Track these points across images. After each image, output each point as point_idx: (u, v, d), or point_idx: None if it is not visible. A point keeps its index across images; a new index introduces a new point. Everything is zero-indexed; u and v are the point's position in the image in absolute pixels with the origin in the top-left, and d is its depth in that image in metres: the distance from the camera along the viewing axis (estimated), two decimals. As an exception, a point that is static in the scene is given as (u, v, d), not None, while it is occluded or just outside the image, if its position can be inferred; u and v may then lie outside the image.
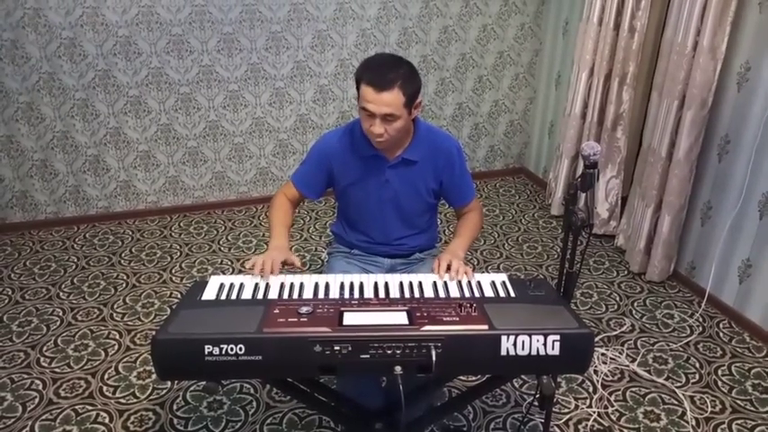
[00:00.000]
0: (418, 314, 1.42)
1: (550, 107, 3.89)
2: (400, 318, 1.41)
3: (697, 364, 2.40)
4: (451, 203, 1.98)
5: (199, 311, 1.45)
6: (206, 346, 1.33)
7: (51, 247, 3.25)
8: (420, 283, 1.63)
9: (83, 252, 3.19)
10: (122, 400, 2.18)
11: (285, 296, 1.57)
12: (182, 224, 3.51)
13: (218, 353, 1.33)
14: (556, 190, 3.57)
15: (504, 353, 1.36)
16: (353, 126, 1.87)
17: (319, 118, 3.68)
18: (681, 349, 2.49)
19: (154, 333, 1.38)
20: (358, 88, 1.70)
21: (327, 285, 1.62)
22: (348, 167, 1.86)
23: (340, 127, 1.92)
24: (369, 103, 1.65)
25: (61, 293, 2.82)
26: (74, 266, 3.06)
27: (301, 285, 1.62)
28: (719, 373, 2.35)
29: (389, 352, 1.35)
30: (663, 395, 2.23)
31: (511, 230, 3.48)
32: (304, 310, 1.43)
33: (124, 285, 2.89)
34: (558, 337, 1.36)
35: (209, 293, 1.57)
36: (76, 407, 2.15)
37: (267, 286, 1.61)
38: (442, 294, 1.59)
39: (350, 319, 1.40)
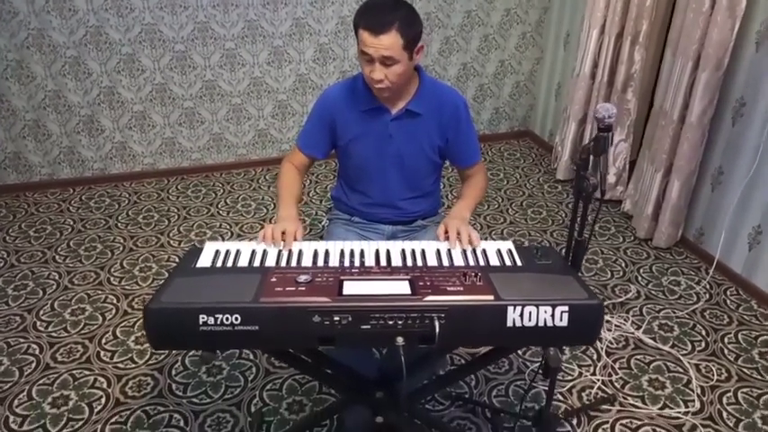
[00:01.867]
0: (421, 283, 1.37)
1: (558, 68, 3.77)
2: (402, 287, 1.36)
3: (703, 332, 2.36)
4: (456, 164, 1.91)
5: (193, 279, 1.39)
6: (200, 316, 1.27)
7: (47, 209, 3.19)
8: (423, 251, 1.57)
9: (79, 215, 3.14)
10: (120, 365, 2.15)
11: (283, 264, 1.51)
12: (179, 187, 3.44)
13: (212, 323, 1.28)
14: (562, 154, 3.48)
15: (510, 324, 1.31)
16: (355, 80, 1.79)
17: (319, 78, 3.57)
18: (687, 317, 2.45)
19: (147, 301, 1.32)
20: (357, 34, 1.62)
21: (327, 253, 1.56)
22: (350, 122, 1.79)
23: (341, 81, 1.83)
24: (367, 47, 1.59)
25: (57, 257, 2.78)
26: (70, 229, 3.01)
27: (300, 253, 1.56)
28: (726, 340, 2.32)
29: (391, 323, 1.30)
30: (668, 363, 2.20)
31: (515, 195, 3.41)
32: (302, 278, 1.38)
33: (121, 249, 2.85)
34: (566, 309, 1.31)
35: (205, 261, 1.51)
36: (74, 372, 2.12)
37: (264, 253, 1.55)
38: (445, 263, 1.53)
39: (350, 288, 1.35)
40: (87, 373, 2.12)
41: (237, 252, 1.55)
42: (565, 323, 1.32)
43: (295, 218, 1.68)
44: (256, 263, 1.51)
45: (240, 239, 2.92)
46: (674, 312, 2.47)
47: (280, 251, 1.56)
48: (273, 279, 1.38)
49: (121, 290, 2.55)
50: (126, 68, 3.22)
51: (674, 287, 2.63)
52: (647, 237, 2.94)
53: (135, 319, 2.38)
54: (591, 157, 1.47)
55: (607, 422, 1.95)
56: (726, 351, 2.26)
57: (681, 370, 2.17)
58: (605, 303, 2.50)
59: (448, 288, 1.35)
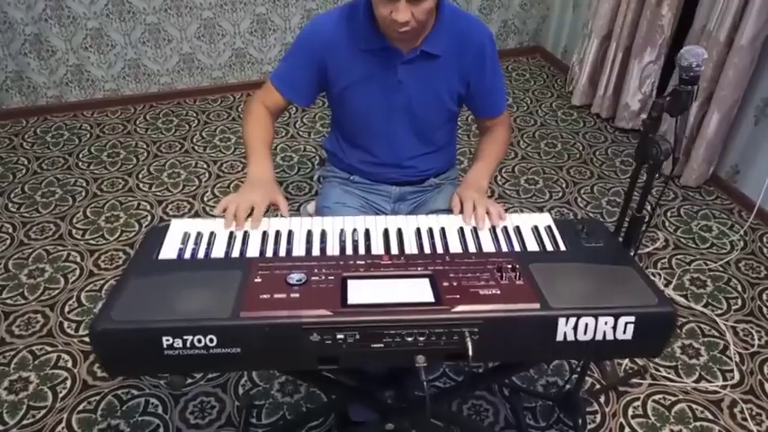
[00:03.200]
0: (446, 284, 1.08)
1: (577, -27, 3.30)
2: (422, 290, 1.06)
3: (739, 287, 2.13)
4: (477, 113, 1.56)
5: (154, 281, 1.09)
6: (164, 338, 0.98)
7: (-4, 145, 2.81)
8: (443, 231, 1.27)
9: (34, 152, 2.76)
10: (86, 340, 1.89)
11: (269, 253, 1.20)
12: (148, 117, 3.04)
13: (180, 346, 0.99)
14: (579, 76, 3.10)
15: (560, 338, 1.04)
16: (354, 8, 1.39)
17: (303, -14, 3.09)
18: (721, 269, 2.21)
19: (93, 318, 1.03)
20: None
21: (324, 235, 1.25)
22: (347, 64, 1.41)
23: (335, 8, 1.42)
24: None
25: (10, 205, 2.44)
26: (24, 170, 2.64)
27: (290, 235, 1.25)
28: (765, 297, 2.09)
29: (410, 340, 1.02)
30: (702, 325, 1.98)
31: (526, 124, 3.06)
32: (295, 278, 1.08)
33: (83, 194, 2.50)
34: (632, 319, 1.03)
35: (169, 249, 1.19)
36: (33, 348, 1.86)
37: (246, 236, 1.24)
38: (471, 247, 1.23)
39: (356, 292, 1.05)
40: (49, 349, 1.85)
41: (212, 236, 1.24)
42: (629, 336, 1.04)
43: (269, 181, 1.35)
44: (235, 251, 1.20)
45: (218, 184, 2.58)
46: (707, 264, 2.23)
47: (265, 233, 1.25)
48: (258, 279, 1.08)
49: (85, 245, 2.24)
50: (74, -24, 2.73)
51: (704, 233, 2.37)
52: (675, 174, 2.64)
53: (102, 282, 2.09)
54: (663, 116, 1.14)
55: (638, 398, 1.74)
56: (765, 310, 2.04)
57: (716, 333, 1.95)
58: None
59: (480, 291, 1.06)
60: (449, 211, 1.48)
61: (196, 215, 2.38)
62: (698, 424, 1.68)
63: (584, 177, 2.67)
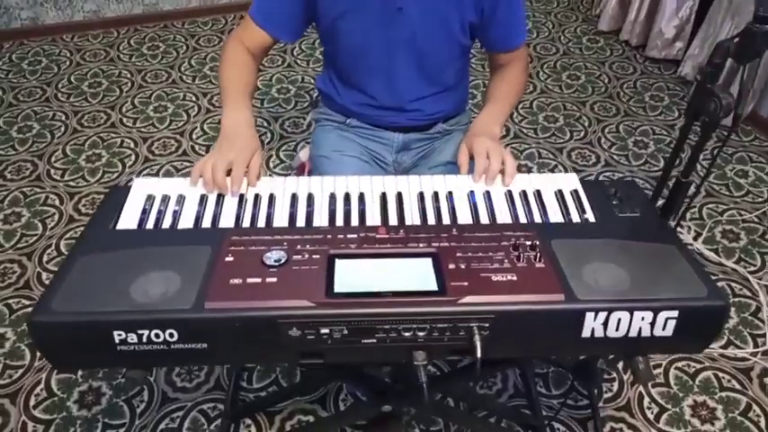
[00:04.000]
0: (451, 266, 0.90)
1: None
2: (423, 274, 0.89)
3: (775, 242, 1.95)
4: (491, 47, 1.32)
5: (106, 259, 0.92)
6: (115, 333, 0.83)
7: (-31, 74, 2.60)
8: (450, 196, 1.08)
9: (9, 82, 2.54)
10: (66, 294, 1.75)
11: (246, 222, 1.02)
12: (132, 42, 2.79)
13: (135, 341, 0.83)
14: (609, -3, 2.79)
15: (586, 335, 0.87)
16: None
17: None
18: (756, 220, 2.02)
19: (34, 305, 0.87)
20: None
21: (311, 198, 1.07)
22: None
23: None
24: None
25: (-16, 141, 2.26)
26: (-1, 102, 2.44)
27: (271, 200, 1.06)
28: (802, 254, 1.92)
29: (407, 335, 0.86)
30: (733, 284, 1.82)
31: (547, 52, 2.78)
32: (273, 257, 0.91)
33: (63, 129, 2.31)
34: (675, 314, 0.86)
35: (129, 216, 1.02)
36: (9, 301, 1.73)
37: (221, 200, 1.06)
38: (484, 217, 1.04)
39: (344, 276, 0.88)
40: (26, 302, 1.73)
41: (181, 199, 1.06)
42: (668, 333, 0.88)
43: (247, 133, 1.15)
44: (206, 221, 1.02)
45: (208, 119, 2.37)
46: (740, 215, 2.03)
47: (242, 197, 1.07)
48: (230, 257, 0.91)
49: (65, 187, 2.08)
50: None
51: (739, 179, 2.16)
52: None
53: (82, 227, 1.94)
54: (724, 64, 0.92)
55: (660, 365, 1.61)
56: (802, 268, 1.87)
57: (748, 293, 1.79)
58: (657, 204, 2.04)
59: (493, 277, 0.89)
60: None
61: (184, 155, 2.19)
62: (724, 395, 1.55)
63: (609, 114, 2.43)
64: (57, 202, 2.02)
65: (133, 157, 2.18)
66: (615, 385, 1.56)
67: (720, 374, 1.59)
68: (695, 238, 1.94)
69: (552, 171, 2.17)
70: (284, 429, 1.46)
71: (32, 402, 1.49)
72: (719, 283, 1.81)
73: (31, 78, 2.55)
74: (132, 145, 2.24)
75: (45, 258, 1.84)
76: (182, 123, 2.34)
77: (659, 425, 1.48)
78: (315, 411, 1.49)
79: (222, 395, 1.51)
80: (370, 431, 1.34)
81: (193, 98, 2.47)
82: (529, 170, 2.16)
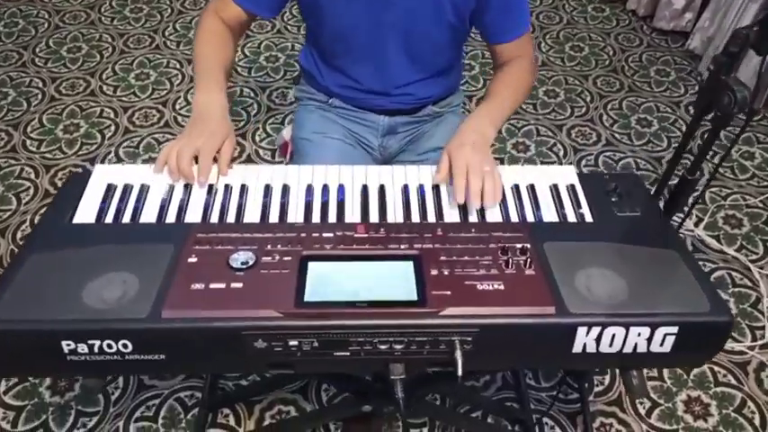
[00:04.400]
0: (434, 271, 0.83)
1: None
2: (403, 280, 0.82)
3: (779, 229, 1.88)
4: (489, 38, 1.19)
5: (59, 259, 0.84)
6: (63, 343, 0.76)
7: (-59, 35, 2.47)
8: (437, 190, 1.00)
9: (-16, 45, 2.42)
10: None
11: (214, 216, 0.95)
12: (114, 4, 2.65)
13: (86, 351, 0.77)
14: (616, -37, 2.64)
15: (577, 350, 0.81)
16: None
17: None
18: (761, 205, 1.94)
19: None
20: None
21: (286, 190, 0.99)
22: None
23: None
24: None
25: (-43, 108, 2.16)
26: (-26, 67, 2.33)
27: (243, 191, 0.98)
28: (806, 241, 1.85)
29: (383, 348, 0.79)
30: (733, 273, 1.75)
31: (550, 22, 2.65)
32: (240, 258, 0.83)
33: (40, 97, 2.20)
34: (674, 330, 0.79)
35: (87, 209, 0.94)
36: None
37: (188, 190, 0.98)
38: (472, 214, 0.96)
39: (316, 283, 0.81)
40: None
41: (143, 190, 0.98)
42: (666, 349, 0.81)
43: (219, 116, 1.05)
44: (171, 214, 0.94)
45: (192, 88, 2.25)
46: (744, 199, 1.95)
47: (211, 187, 0.99)
48: (193, 258, 0.84)
49: (41, 159, 1.99)
50: None
51: (746, 162, 2.08)
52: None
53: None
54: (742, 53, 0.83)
55: (653, 358, 1.55)
56: (806, 256, 1.80)
57: (749, 283, 1.73)
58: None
59: (478, 286, 0.82)
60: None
61: (166, 126, 2.09)
62: (719, 390, 1.50)
63: (613, 89, 2.32)
64: (32, 176, 1.93)
65: (113, 128, 2.08)
66: (607, 378, 1.51)
67: (716, 369, 1.54)
68: (696, 224, 1.87)
69: (551, 150, 2.08)
70: (263, 420, 1.41)
71: (2, 388, 1.43)
72: (719, 272, 1.75)
73: (6, 41, 2.43)
74: (112, 115, 2.14)
75: (19, 235, 1.76)
76: (164, 92, 2.23)
77: (650, 420, 1.44)
78: (296, 401, 1.44)
79: (200, 383, 1.46)
80: (350, 427, 1.29)
81: (177, 65, 2.35)
82: (526, 148, 2.07)
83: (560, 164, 2.03)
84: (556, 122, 2.18)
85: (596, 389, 1.49)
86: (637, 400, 1.47)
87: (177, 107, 2.17)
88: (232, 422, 1.40)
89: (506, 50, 1.18)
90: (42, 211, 1.82)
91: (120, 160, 1.97)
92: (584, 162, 2.04)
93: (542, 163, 2.03)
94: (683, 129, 2.16)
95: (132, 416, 1.40)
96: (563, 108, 2.24)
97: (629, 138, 2.14)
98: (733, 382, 1.51)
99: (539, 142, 2.10)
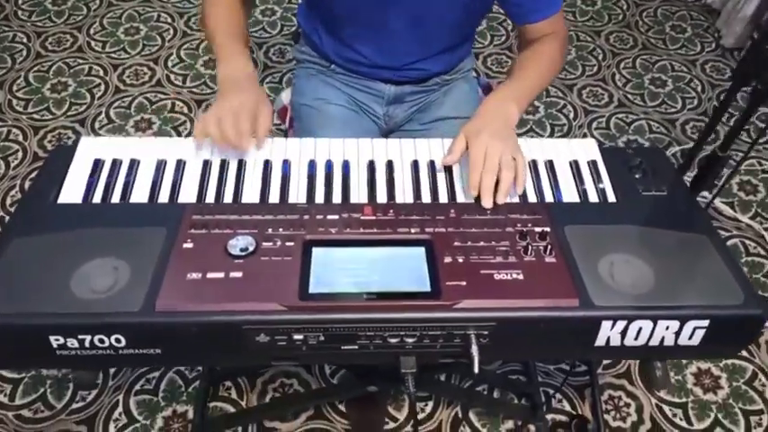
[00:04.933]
0: (448, 259, 0.77)
1: None
2: (415, 269, 0.76)
3: (795, 194, 1.82)
4: (516, 18, 1.08)
5: (43, 244, 0.78)
6: (52, 338, 0.71)
7: None
8: (449, 167, 0.93)
9: (-36, -4, 2.29)
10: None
11: (210, 195, 0.88)
12: (100, -48, 2.50)
13: (76, 346, 0.72)
14: None
15: (600, 344, 0.76)
16: None
17: None
18: (776, 172, 1.88)
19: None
20: None
21: (287, 165, 0.92)
22: None
23: None
24: None
25: (-62, 65, 2.05)
26: (-47, 20, 2.21)
27: (241, 166, 0.91)
28: (822, 208, 1.79)
29: (394, 341, 0.75)
30: (747, 241, 1.70)
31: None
32: (240, 244, 0.77)
33: (25, 53, 2.09)
34: (704, 324, 0.74)
35: (73, 187, 0.87)
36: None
37: (180, 168, 0.91)
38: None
39: (322, 272, 0.75)
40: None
41: (133, 165, 0.91)
42: (695, 342, 0.76)
43: (251, 86, 0.96)
44: (164, 193, 0.88)
45: (185, 44, 2.15)
46: (761, 164, 1.89)
47: (207, 163, 0.92)
48: (188, 244, 0.78)
49: (29, 120, 1.90)
50: None
51: (762, 124, 2.00)
52: (737, 46, 2.18)
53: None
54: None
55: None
56: (821, 224, 1.75)
57: (762, 252, 1.68)
58: (673, 151, 1.89)
59: (496, 275, 0.76)
60: (460, 119, 1.13)
61: (158, 85, 2.00)
62: (729, 362, 1.47)
63: (626, 47, 2.22)
64: (20, 138, 1.85)
65: (102, 87, 1.99)
66: (616, 351, 1.48)
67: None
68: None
69: (561, 111, 1.99)
70: (266, 393, 1.39)
71: (-2, 362, 1.40)
72: (732, 241, 1.70)
73: (-12, -7, 2.30)
74: (101, 73, 2.03)
75: (8, 201, 1.70)
76: (155, 49, 2.12)
77: (660, 393, 1.41)
78: (299, 374, 1.41)
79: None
80: (355, 404, 1.26)
81: (168, 19, 2.23)
82: (535, 110, 1.99)
83: (570, 127, 1.95)
84: (567, 82, 2.08)
85: (605, 361, 1.46)
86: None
87: (170, 64, 2.07)
88: (234, 395, 1.38)
89: (535, 30, 1.07)
90: (32, 175, 1.75)
91: (111, 121, 1.89)
92: (594, 125, 1.96)
93: (552, 126, 1.95)
94: (699, 89, 2.08)
95: (132, 389, 1.37)
96: (574, 67, 2.14)
97: (641, 98, 2.05)
98: (744, 353, 1.48)
99: (548, 104, 2.01)
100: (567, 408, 1.39)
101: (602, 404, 1.38)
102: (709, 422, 1.38)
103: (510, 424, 1.36)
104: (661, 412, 1.38)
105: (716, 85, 2.09)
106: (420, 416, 1.35)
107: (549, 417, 1.38)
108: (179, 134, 1.86)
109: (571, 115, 1.98)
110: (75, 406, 1.32)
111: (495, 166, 0.85)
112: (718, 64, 2.17)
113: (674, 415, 1.38)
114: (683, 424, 1.37)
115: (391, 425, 1.33)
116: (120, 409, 1.33)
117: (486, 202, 0.85)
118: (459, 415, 1.36)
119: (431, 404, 1.37)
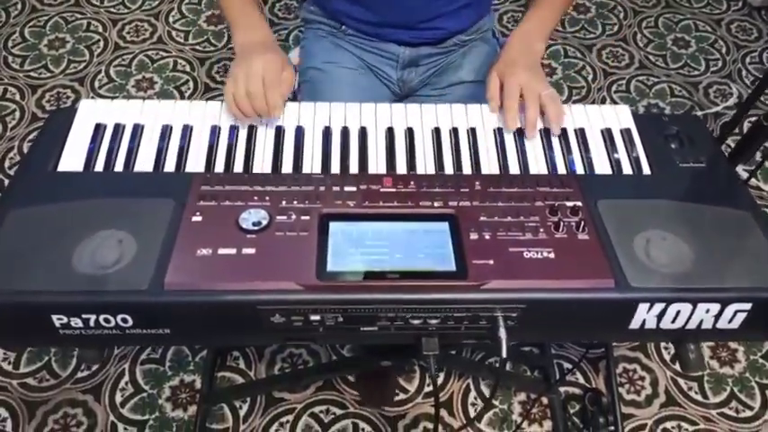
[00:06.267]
0: (473, 235, 0.72)
1: None
2: (439, 246, 0.71)
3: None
4: None
5: (42, 216, 0.73)
6: (54, 317, 0.67)
7: None
8: (472, 134, 0.87)
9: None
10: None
11: (219, 164, 0.83)
12: None
13: (80, 325, 0.67)
14: None
15: (635, 327, 0.71)
16: None
17: None
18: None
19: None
20: None
21: (300, 132, 0.86)
22: None
23: None
24: None
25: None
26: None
27: (251, 133, 0.86)
28: None
29: (416, 323, 0.70)
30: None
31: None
32: (252, 218, 0.72)
33: (19, 7, 2.00)
34: (746, 307, 0.70)
35: (73, 154, 0.82)
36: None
37: (187, 134, 0.85)
38: (513, 166, 0.84)
39: (339, 249, 0.70)
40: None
41: (137, 130, 0.85)
42: (735, 325, 0.72)
43: (271, 44, 0.94)
44: (170, 161, 0.82)
45: (186, 2, 2.05)
46: (786, 130, 1.81)
47: (215, 128, 0.86)
48: (197, 217, 0.73)
49: (25, 79, 1.82)
50: None
51: (788, 88, 1.92)
52: (765, 4, 2.08)
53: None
54: None
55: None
56: None
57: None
58: (696, 114, 1.82)
59: (525, 253, 0.71)
60: (480, 83, 1.06)
61: (159, 42, 1.91)
62: (747, 335, 1.44)
63: (648, 4, 2.12)
64: (17, 97, 1.78)
65: (102, 44, 1.91)
66: (632, 323, 1.45)
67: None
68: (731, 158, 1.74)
69: (579, 73, 1.91)
70: (275, 363, 1.36)
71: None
72: (754, 211, 1.64)
73: (-22, -59, 2.19)
74: (100, 29, 1.95)
75: (7, 164, 1.64)
76: (156, 3, 2.03)
77: (675, 366, 1.39)
78: (308, 345, 1.38)
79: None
80: (366, 379, 1.23)
81: (168, -27, 2.13)
82: (552, 71, 1.91)
83: (589, 89, 1.87)
84: (585, 42, 1.99)
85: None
86: (662, 345, 1.42)
87: (171, 20, 1.98)
88: (242, 365, 1.35)
89: None
90: (31, 136, 1.69)
91: (111, 80, 1.81)
92: (614, 87, 1.88)
93: (570, 88, 1.87)
94: (723, 51, 1.99)
95: (138, 358, 1.34)
96: (593, 25, 2.04)
97: (663, 60, 1.96)
98: (763, 327, 1.45)
99: (566, 65, 1.93)
100: (582, 381, 1.37)
101: (616, 377, 1.36)
102: (725, 396, 1.36)
103: (522, 396, 1.34)
104: (676, 386, 1.36)
105: (741, 47, 2.00)
106: (429, 388, 1.33)
107: (562, 389, 1.35)
108: (182, 94, 1.79)
109: (590, 77, 1.90)
110: (80, 375, 1.29)
111: (537, 98, 0.84)
112: (745, 24, 2.07)
113: (690, 388, 1.36)
114: (699, 397, 1.35)
115: (401, 395, 1.31)
116: (126, 378, 1.31)
117: (531, 134, 0.85)
118: (471, 386, 1.34)
119: (442, 375, 1.35)
